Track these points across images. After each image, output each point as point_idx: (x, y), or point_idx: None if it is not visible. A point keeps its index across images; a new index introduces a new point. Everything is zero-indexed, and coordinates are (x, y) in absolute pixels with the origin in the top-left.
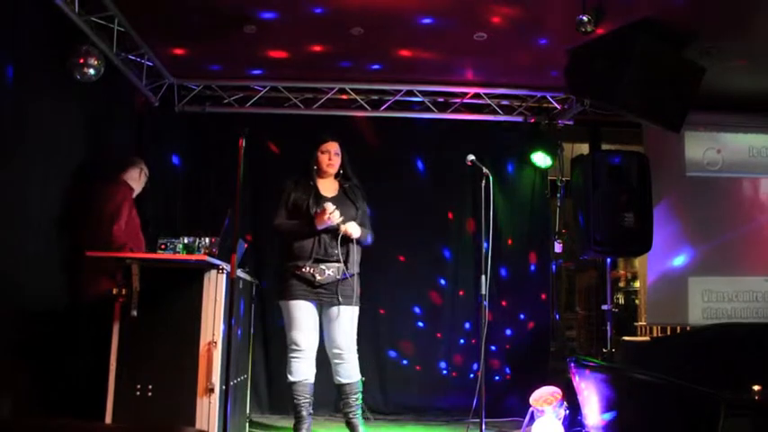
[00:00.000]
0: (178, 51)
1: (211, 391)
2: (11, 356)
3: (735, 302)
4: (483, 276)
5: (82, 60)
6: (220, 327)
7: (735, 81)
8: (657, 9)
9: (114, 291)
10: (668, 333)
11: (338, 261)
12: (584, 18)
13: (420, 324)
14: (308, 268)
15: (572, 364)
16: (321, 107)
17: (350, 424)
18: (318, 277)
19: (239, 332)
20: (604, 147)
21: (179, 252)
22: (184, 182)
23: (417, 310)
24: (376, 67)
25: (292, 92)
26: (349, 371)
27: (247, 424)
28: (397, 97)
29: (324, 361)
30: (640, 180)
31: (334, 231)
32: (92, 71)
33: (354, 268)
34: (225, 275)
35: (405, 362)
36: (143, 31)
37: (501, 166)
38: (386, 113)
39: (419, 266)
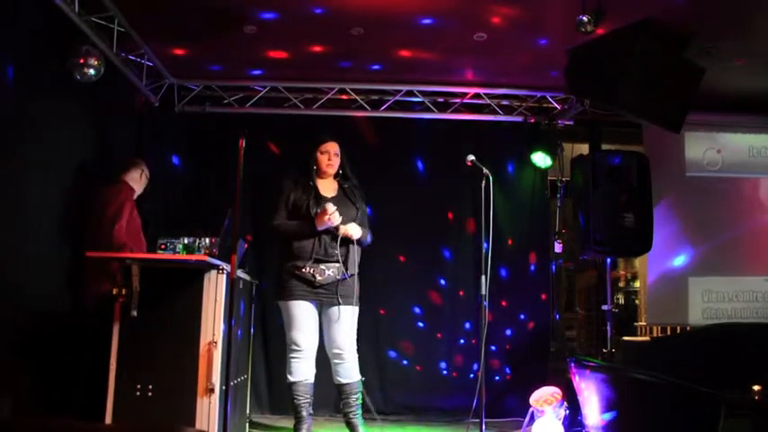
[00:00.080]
0: (178, 51)
1: (211, 391)
2: (11, 356)
3: (735, 302)
4: (483, 276)
5: (82, 60)
6: (220, 327)
7: (734, 81)
8: (657, 9)
9: (114, 291)
10: (668, 333)
11: (338, 261)
12: (585, 18)
13: (420, 324)
14: (308, 268)
15: (572, 364)
16: (321, 107)
17: (350, 424)
18: (318, 277)
19: (239, 332)
20: (604, 147)
21: (179, 252)
22: (184, 182)
23: (417, 310)
24: (376, 67)
25: (292, 92)
26: (349, 371)
27: (247, 424)
28: (397, 97)
29: (324, 361)
30: (640, 180)
31: (334, 232)
32: (92, 71)
33: (354, 268)
34: (225, 276)
35: (405, 362)
36: (143, 31)
37: (501, 167)
38: (386, 113)
39: (419, 266)
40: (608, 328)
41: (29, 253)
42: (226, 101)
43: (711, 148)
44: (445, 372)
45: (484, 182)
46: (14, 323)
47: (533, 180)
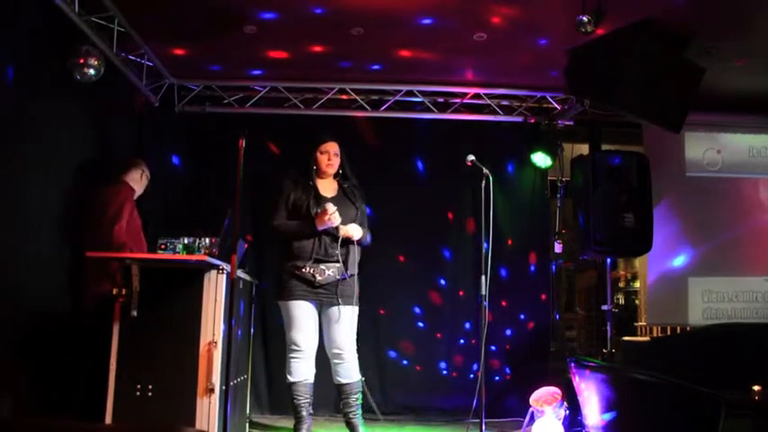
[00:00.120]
0: (178, 51)
1: (211, 391)
2: (11, 356)
3: (735, 303)
4: (483, 276)
5: (82, 60)
6: (220, 327)
7: (734, 81)
8: (657, 9)
9: (114, 291)
10: (668, 333)
11: (338, 261)
12: (585, 18)
13: (420, 324)
14: (308, 268)
15: (572, 365)
16: (321, 107)
17: (350, 424)
18: (318, 277)
19: (239, 332)
20: (604, 147)
21: (179, 252)
22: (184, 182)
23: (417, 310)
24: (376, 67)
25: (292, 92)
26: (349, 371)
27: (247, 424)
28: (397, 97)
29: (324, 361)
30: (640, 180)
31: (334, 233)
32: (92, 71)
33: (354, 269)
34: (225, 276)
35: (405, 362)
36: (143, 31)
37: (501, 167)
38: (386, 114)
39: (419, 266)
40: (608, 328)
41: (29, 253)
42: (226, 101)
43: (711, 149)
44: (445, 372)
45: (484, 182)
46: (14, 323)
47: (533, 180)
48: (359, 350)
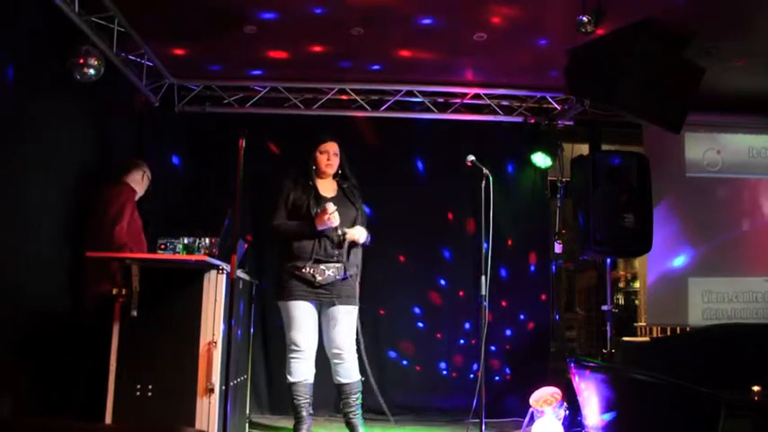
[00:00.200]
0: (178, 51)
1: (211, 391)
2: (11, 356)
3: (735, 303)
4: (483, 277)
5: (82, 60)
6: (220, 327)
7: (734, 81)
8: (657, 9)
9: (114, 291)
10: (668, 333)
11: (338, 261)
12: (585, 18)
13: (420, 324)
14: (308, 269)
15: (572, 365)
16: (321, 107)
17: (350, 424)
18: (318, 278)
19: (239, 332)
20: (604, 147)
21: (179, 252)
22: (184, 182)
23: (417, 310)
24: (376, 67)
25: (292, 92)
26: (349, 371)
27: (247, 424)
28: (397, 97)
29: (324, 361)
30: (640, 180)
31: (336, 235)
32: (92, 71)
33: (353, 269)
34: (225, 276)
35: (405, 362)
36: (143, 31)
37: (501, 167)
38: (386, 114)
39: (419, 266)
40: (608, 328)
41: (29, 253)
42: (226, 101)
43: (711, 149)
44: (445, 372)
45: (484, 182)
46: (14, 323)
47: (533, 180)
48: (358, 350)
